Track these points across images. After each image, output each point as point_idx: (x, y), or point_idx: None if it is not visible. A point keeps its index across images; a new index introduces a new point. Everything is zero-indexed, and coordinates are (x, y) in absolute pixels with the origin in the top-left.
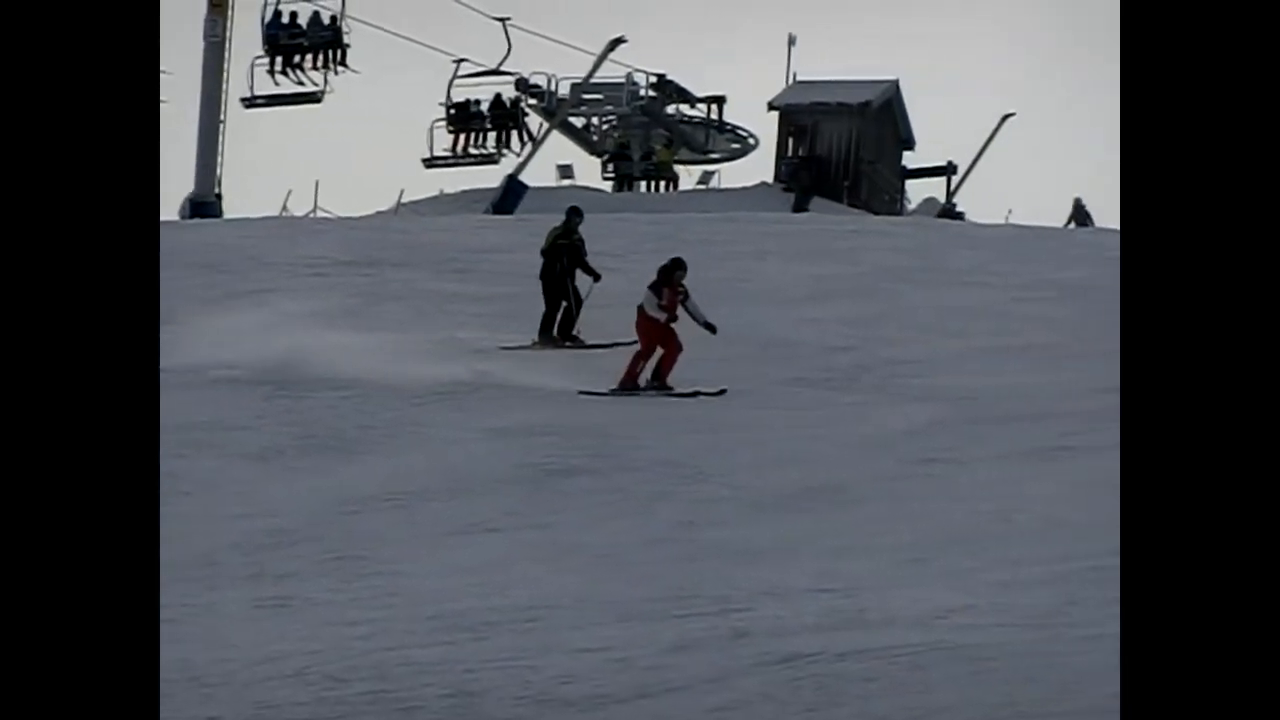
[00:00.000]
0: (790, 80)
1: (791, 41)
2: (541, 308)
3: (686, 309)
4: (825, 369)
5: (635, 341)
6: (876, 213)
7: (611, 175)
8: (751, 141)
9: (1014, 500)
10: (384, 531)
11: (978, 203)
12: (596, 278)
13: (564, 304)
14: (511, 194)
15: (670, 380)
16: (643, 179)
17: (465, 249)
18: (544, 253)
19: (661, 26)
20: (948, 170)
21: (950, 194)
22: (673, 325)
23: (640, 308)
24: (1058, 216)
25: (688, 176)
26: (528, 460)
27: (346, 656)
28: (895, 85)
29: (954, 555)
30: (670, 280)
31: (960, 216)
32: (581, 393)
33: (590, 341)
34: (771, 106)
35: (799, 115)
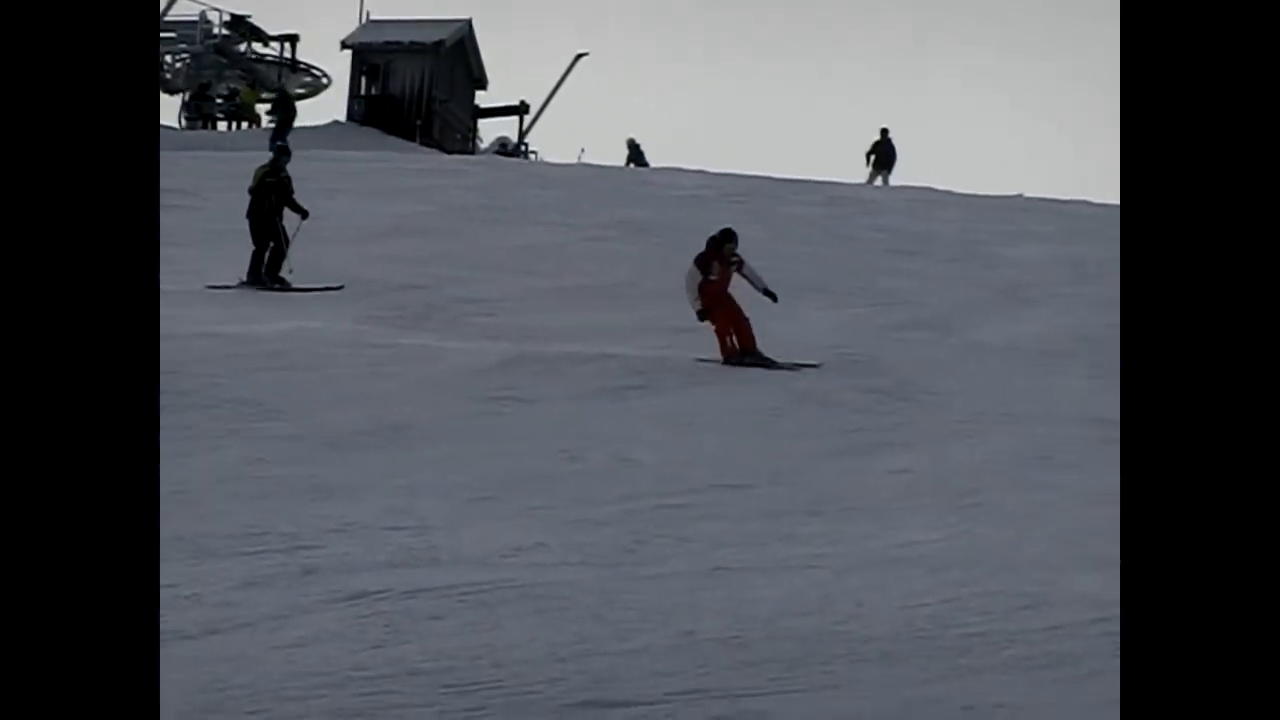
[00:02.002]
0: (364, 19)
1: None
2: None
3: (744, 276)
4: (396, 307)
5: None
6: (449, 152)
7: (195, 115)
8: (325, 80)
9: (583, 439)
10: None
11: (550, 142)
12: (305, 215)
13: (271, 244)
14: None
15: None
16: (225, 119)
17: None
18: (251, 191)
19: None
20: (520, 110)
21: (523, 133)
22: (725, 295)
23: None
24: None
25: (266, 116)
26: None
27: None
28: (468, 24)
29: (524, 494)
30: (719, 253)
31: (516, 154)
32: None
33: (298, 285)
34: (345, 45)
35: (372, 54)
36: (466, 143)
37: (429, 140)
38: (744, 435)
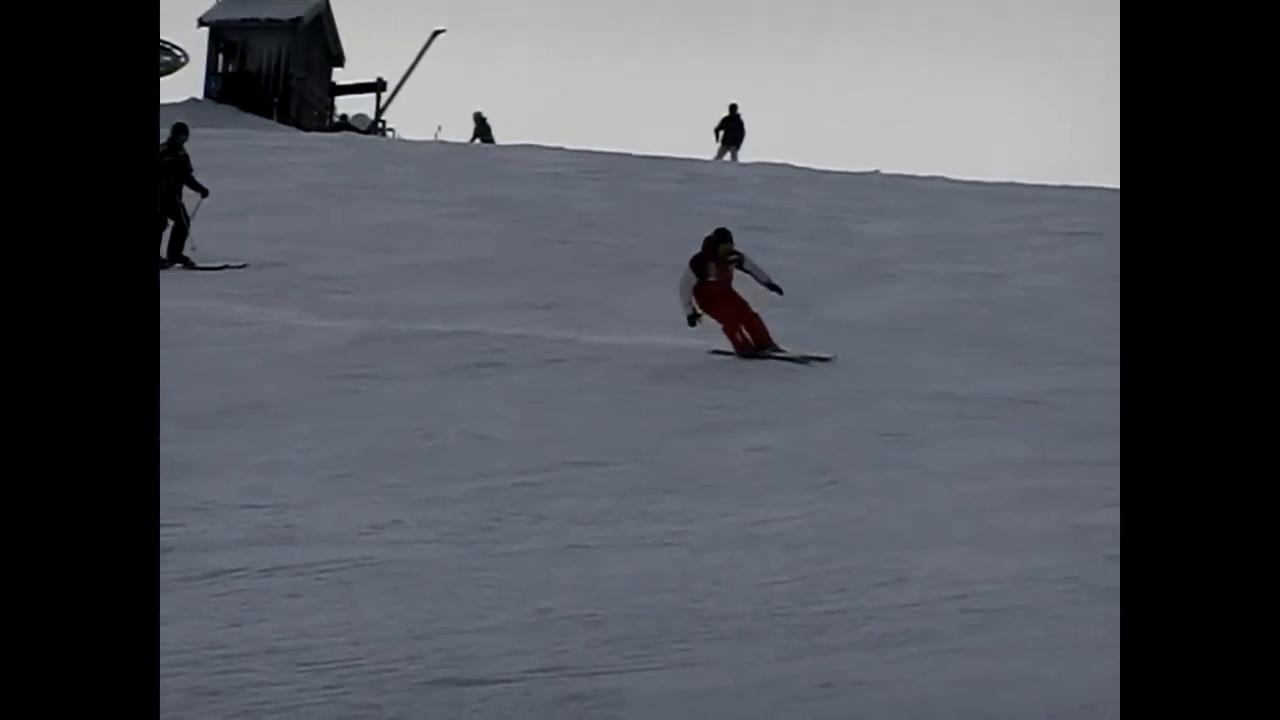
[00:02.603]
0: None
1: None
2: None
3: (745, 271)
4: (254, 285)
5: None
6: (306, 129)
7: None
8: (182, 59)
9: (440, 417)
10: None
11: (407, 119)
12: (204, 193)
13: (171, 223)
14: None
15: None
16: None
17: None
18: None
19: None
20: (377, 87)
21: (380, 110)
22: (728, 292)
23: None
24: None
25: None
26: None
27: None
28: (326, 1)
29: (381, 472)
30: (715, 253)
31: (353, 130)
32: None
33: (201, 264)
34: (202, 22)
35: (229, 31)
36: (324, 120)
37: (286, 118)
38: (601, 413)
